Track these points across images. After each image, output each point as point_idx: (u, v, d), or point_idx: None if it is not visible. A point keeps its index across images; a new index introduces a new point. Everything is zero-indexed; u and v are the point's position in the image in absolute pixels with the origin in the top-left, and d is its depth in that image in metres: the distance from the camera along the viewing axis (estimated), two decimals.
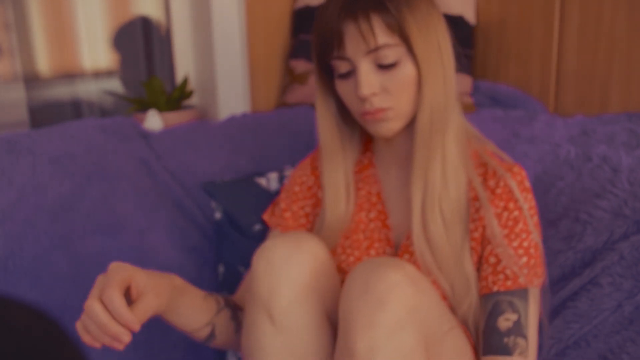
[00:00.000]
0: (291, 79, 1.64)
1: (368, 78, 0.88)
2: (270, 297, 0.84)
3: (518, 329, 0.88)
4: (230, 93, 1.65)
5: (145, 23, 1.78)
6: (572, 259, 1.05)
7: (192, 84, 1.75)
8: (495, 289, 0.90)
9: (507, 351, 0.87)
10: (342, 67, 0.91)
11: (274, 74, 1.72)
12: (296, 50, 1.65)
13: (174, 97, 1.62)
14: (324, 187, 1.01)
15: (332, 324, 0.90)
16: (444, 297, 0.93)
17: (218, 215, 1.29)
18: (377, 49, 0.87)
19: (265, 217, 1.11)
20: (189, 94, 1.65)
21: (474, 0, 1.60)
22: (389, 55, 0.87)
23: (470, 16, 1.57)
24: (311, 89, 1.60)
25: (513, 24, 1.56)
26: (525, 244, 0.91)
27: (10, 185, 1.12)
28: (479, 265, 0.94)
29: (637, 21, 1.29)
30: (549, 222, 1.11)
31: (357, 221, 1.01)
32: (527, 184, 0.94)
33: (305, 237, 0.89)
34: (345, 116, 1.00)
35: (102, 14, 1.71)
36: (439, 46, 0.90)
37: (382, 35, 0.87)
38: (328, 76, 0.96)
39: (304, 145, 1.41)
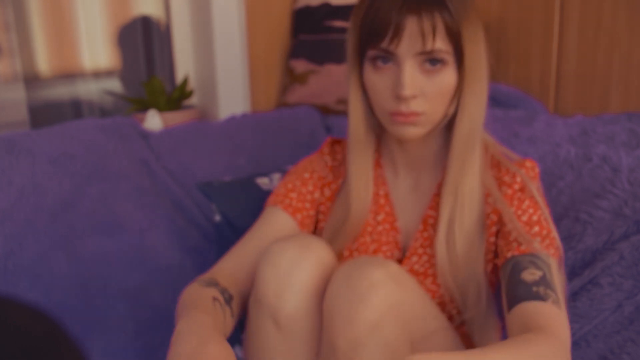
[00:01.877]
0: (291, 79, 1.64)
1: (412, 79, 0.85)
2: (277, 303, 0.84)
3: (545, 282, 0.82)
4: (230, 93, 1.65)
5: (145, 23, 1.78)
6: (572, 259, 1.05)
7: (192, 84, 1.75)
8: (509, 254, 0.87)
9: (540, 297, 0.80)
10: (381, 58, 0.86)
11: (274, 74, 1.72)
12: (296, 50, 1.65)
13: (174, 97, 1.62)
14: (351, 176, 0.97)
15: None
16: (450, 301, 0.93)
17: (217, 217, 1.29)
18: (431, 52, 0.84)
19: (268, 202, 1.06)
20: (189, 94, 1.65)
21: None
22: (437, 60, 0.85)
23: None
24: (311, 89, 1.60)
25: (513, 24, 1.56)
26: (534, 217, 0.90)
27: (10, 185, 1.12)
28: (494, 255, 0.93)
29: (637, 21, 1.29)
30: None
31: (364, 223, 1.00)
32: (537, 176, 0.94)
33: (311, 241, 0.88)
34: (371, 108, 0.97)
35: (102, 14, 1.71)
36: (481, 58, 0.88)
37: (440, 39, 0.83)
38: (360, 64, 0.92)
39: (304, 145, 1.41)
